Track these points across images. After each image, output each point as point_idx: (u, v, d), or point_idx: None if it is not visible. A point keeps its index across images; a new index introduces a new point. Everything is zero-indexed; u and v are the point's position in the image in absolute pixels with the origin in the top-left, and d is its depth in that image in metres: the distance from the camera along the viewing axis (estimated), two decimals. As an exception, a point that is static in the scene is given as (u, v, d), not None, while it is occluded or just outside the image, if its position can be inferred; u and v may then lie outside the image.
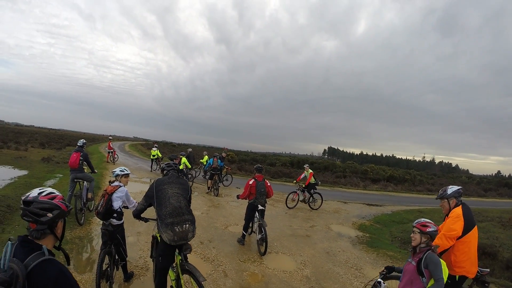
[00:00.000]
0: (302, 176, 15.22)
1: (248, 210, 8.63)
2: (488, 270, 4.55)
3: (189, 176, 16.92)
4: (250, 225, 8.79)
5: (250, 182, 8.48)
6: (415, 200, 23.49)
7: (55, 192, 2.26)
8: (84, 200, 9.33)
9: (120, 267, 5.62)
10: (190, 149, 20.60)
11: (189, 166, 16.56)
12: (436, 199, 4.64)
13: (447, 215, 4.43)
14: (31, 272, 1.86)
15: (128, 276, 5.80)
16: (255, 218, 8.57)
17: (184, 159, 16.04)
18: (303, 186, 14.81)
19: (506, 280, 7.77)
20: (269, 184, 8.80)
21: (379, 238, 10.52)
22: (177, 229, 4.32)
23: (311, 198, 14.71)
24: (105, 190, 5.48)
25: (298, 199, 14.84)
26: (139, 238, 8.02)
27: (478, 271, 4.31)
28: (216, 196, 15.39)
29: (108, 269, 5.10)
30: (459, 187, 4.42)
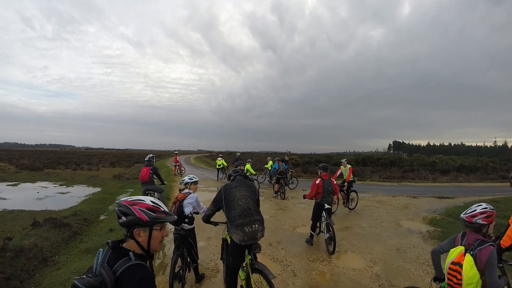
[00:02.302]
0: (339, 173, 13.59)
1: (315, 210, 8.69)
2: None
3: (254, 181, 16.85)
4: (318, 224, 8.81)
5: (317, 182, 8.47)
6: (489, 189, 21.94)
7: (144, 201, 2.23)
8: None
9: (192, 269, 5.92)
10: (238, 153, 20.92)
11: (253, 172, 16.85)
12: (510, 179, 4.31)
13: None
14: (119, 278, 1.94)
15: (200, 278, 6.11)
16: (322, 218, 8.60)
17: (248, 166, 16.35)
18: (344, 184, 13.54)
19: None
20: (335, 183, 8.83)
21: (452, 232, 10.06)
22: (246, 230, 4.45)
23: (348, 197, 13.48)
24: (176, 197, 5.87)
25: (338, 201, 13.10)
26: (209, 243, 8.35)
27: None
28: (283, 199, 15.55)
29: (181, 271, 5.42)
30: None
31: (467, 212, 3.42)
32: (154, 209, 2.21)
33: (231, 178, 5.22)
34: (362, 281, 6.26)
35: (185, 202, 5.79)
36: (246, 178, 5.24)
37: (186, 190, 6.01)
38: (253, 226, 4.51)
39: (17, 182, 21.90)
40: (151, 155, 10.62)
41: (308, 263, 7.19)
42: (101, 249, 2.08)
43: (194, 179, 6.25)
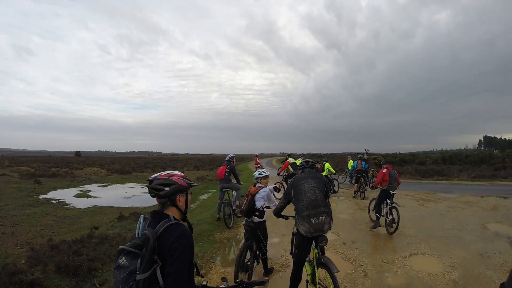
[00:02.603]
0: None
1: (381, 195, 9.84)
2: None
3: (333, 181, 16.76)
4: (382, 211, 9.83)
5: (383, 171, 9.87)
6: None
7: (176, 172, 2.56)
8: (233, 207, 10.29)
9: (261, 261, 6.12)
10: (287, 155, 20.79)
11: (333, 171, 16.61)
12: None
13: None
14: (160, 235, 2.15)
15: (268, 271, 6.27)
16: (386, 203, 9.67)
17: (327, 165, 16.17)
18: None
19: None
20: (397, 174, 10.35)
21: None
22: (313, 221, 4.46)
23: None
24: (249, 191, 6.06)
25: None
26: (283, 239, 8.49)
27: None
28: (363, 199, 15.30)
29: (248, 262, 5.58)
30: None
31: None
32: (185, 177, 2.55)
33: (300, 170, 5.24)
34: (437, 287, 5.97)
35: (257, 196, 5.97)
36: (314, 169, 5.25)
37: (259, 185, 6.18)
38: (320, 218, 4.50)
39: (107, 184, 24.23)
40: (231, 154, 10.99)
41: (382, 264, 7.04)
42: (142, 215, 2.41)
43: (264, 174, 6.40)
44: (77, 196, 19.38)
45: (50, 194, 19.34)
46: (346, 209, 11.69)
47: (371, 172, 18.52)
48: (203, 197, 17.89)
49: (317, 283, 4.75)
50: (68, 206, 15.76)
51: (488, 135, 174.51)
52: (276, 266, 6.72)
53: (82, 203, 16.56)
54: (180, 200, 2.45)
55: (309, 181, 4.79)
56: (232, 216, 10.02)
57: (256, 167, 27.79)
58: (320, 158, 19.38)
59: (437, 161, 41.36)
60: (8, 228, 10.66)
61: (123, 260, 2.05)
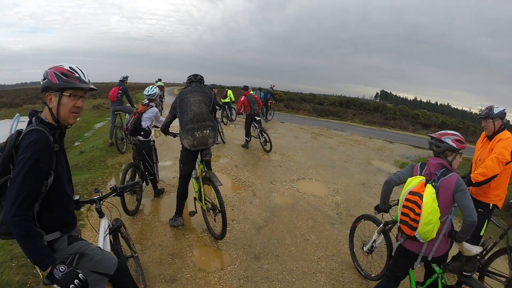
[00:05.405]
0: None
1: (247, 120, 10.58)
2: None
3: (232, 109, 16.26)
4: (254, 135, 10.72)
5: (241, 99, 10.42)
6: (465, 150, 21.88)
7: (63, 65, 2.10)
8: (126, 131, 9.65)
9: (150, 182, 5.89)
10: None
11: (233, 99, 16.25)
12: (479, 118, 4.14)
13: (489, 137, 3.97)
14: (22, 138, 1.91)
15: (158, 192, 6.04)
16: (255, 127, 10.45)
17: (230, 92, 15.87)
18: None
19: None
20: (256, 96, 11.14)
21: (421, 177, 10.06)
22: (197, 134, 4.35)
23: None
24: (136, 109, 5.74)
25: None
26: (175, 162, 8.17)
27: None
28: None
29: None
30: (504, 108, 3.90)
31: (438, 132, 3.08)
32: (68, 73, 2.07)
33: (187, 83, 4.95)
34: (321, 208, 6.20)
35: (144, 115, 5.65)
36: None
37: (146, 101, 5.79)
38: (204, 131, 4.41)
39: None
40: (125, 75, 10.04)
41: (270, 186, 7.12)
42: (18, 114, 2.18)
43: (153, 91, 5.87)
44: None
45: None
46: (241, 135, 11.64)
47: (269, 104, 18.92)
48: (99, 125, 16.79)
49: (203, 199, 4.74)
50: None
51: (385, 90, 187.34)
52: (167, 187, 6.52)
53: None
54: (52, 101, 2.04)
55: (196, 94, 4.62)
56: (124, 141, 9.39)
57: None
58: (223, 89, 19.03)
59: (334, 103, 43.48)
60: None
61: None
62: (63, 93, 2.03)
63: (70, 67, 2.10)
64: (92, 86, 2.17)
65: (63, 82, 2.02)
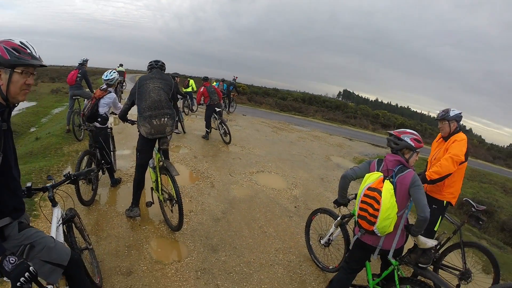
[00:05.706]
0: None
1: (207, 111, 10.41)
2: (485, 206, 4.29)
3: (194, 99, 16.09)
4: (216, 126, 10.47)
5: (201, 90, 10.33)
6: (422, 150, 22.72)
7: (13, 40, 1.95)
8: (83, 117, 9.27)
9: (106, 171, 5.72)
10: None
11: (195, 89, 16.04)
12: (436, 119, 4.26)
13: (445, 138, 4.13)
14: None
15: (115, 181, 5.86)
16: (215, 118, 10.30)
17: (192, 81, 15.64)
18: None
19: (498, 240, 7.71)
20: (216, 87, 11.12)
21: (378, 174, 10.28)
22: (154, 122, 4.23)
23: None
24: (94, 94, 5.47)
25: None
26: (134, 151, 7.95)
27: (474, 205, 4.04)
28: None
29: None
30: (460, 111, 4.05)
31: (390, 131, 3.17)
32: (19, 49, 1.93)
33: (148, 69, 4.79)
34: (279, 200, 6.19)
35: (101, 101, 5.41)
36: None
37: (104, 86, 5.55)
38: (162, 119, 4.30)
39: None
40: (84, 57, 9.60)
41: (229, 178, 7.04)
42: None
43: (111, 76, 5.63)
44: None
45: None
46: (202, 126, 11.49)
47: (232, 96, 18.87)
48: (56, 110, 16.13)
49: (160, 189, 4.63)
50: None
51: (348, 90, 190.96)
52: (125, 177, 6.32)
53: None
54: (1, 77, 1.88)
55: (155, 81, 4.49)
56: (82, 127, 9.00)
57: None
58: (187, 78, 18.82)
59: (297, 99, 44.05)
60: None
61: None
62: (14, 70, 1.90)
63: (21, 42, 1.97)
64: (43, 63, 2.03)
65: (15, 58, 1.89)
